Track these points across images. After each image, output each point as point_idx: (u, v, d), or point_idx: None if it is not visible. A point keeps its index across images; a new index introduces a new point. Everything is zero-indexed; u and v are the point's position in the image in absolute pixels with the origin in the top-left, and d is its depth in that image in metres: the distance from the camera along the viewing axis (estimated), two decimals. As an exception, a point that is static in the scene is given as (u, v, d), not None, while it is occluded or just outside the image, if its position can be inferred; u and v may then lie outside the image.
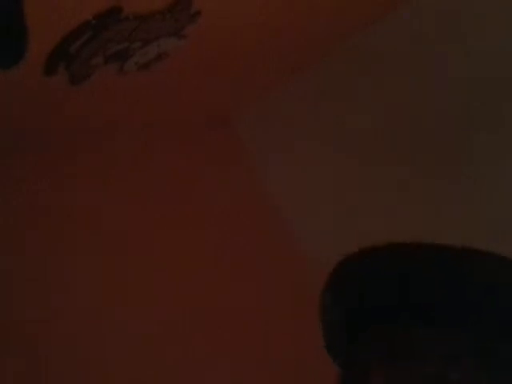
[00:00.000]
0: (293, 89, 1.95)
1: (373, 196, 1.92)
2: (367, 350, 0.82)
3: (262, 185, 2.02)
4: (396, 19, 1.76)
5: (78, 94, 1.34)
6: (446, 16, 1.75)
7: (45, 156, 1.66)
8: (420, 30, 1.80)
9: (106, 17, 1.15)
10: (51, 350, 1.58)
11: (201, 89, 1.64)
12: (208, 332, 1.77)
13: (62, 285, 1.64)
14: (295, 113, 1.99)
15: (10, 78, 1.19)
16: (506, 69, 1.68)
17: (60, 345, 1.60)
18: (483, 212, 1.77)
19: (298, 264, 1.94)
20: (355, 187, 1.94)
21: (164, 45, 1.24)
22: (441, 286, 0.78)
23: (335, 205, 1.97)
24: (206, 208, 1.91)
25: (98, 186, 1.74)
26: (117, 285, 1.72)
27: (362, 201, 1.93)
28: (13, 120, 1.44)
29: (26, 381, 1.53)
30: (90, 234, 1.72)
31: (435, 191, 1.82)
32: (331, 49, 1.86)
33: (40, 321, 1.58)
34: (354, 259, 0.90)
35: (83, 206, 1.72)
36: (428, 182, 1.83)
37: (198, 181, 1.92)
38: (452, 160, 1.81)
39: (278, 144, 2.04)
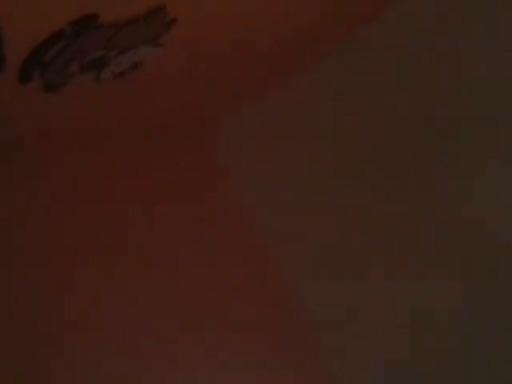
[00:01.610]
0: (271, 99, 1.93)
1: (354, 207, 1.93)
2: None
3: (239, 194, 2.04)
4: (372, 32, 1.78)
5: (56, 101, 1.33)
6: (446, 16, 1.75)
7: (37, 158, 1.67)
8: (405, 38, 1.80)
9: (81, 24, 1.14)
10: (50, 349, 1.58)
11: (177, 98, 1.64)
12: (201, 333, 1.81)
13: (62, 286, 1.65)
14: (273, 123, 1.99)
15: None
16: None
17: (59, 344, 1.60)
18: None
19: (273, 271, 1.98)
20: (334, 197, 1.94)
21: (140, 53, 1.24)
22: None
23: (313, 214, 1.97)
24: (182, 217, 1.92)
25: (70, 187, 1.76)
26: (115, 285, 1.73)
27: (343, 211, 1.93)
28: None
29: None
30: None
31: (425, 203, 1.82)
32: (311, 59, 1.85)
33: (41, 321, 1.59)
34: None
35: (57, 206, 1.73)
36: (418, 194, 1.83)
37: (174, 188, 1.93)
38: (447, 171, 1.81)
39: (255, 153, 2.04)
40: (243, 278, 1.97)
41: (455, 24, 1.73)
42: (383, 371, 1.87)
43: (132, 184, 1.84)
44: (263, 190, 2.04)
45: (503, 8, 1.67)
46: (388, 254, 1.87)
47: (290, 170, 2.00)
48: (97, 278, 1.71)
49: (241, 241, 2.02)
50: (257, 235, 2.03)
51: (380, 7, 1.71)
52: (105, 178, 1.80)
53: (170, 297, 1.81)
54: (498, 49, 1.69)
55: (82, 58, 1.21)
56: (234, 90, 1.83)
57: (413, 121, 1.81)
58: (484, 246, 1.75)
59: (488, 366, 1.73)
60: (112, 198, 1.83)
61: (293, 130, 1.98)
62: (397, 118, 1.83)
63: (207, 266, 1.91)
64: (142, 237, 1.84)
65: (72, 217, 1.75)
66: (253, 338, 1.88)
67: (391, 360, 1.86)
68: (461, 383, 1.77)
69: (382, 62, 1.81)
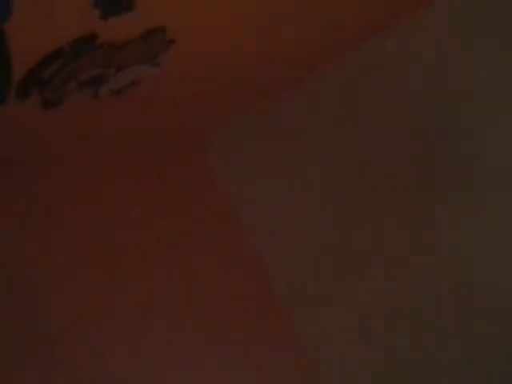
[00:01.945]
0: (265, 114, 1.96)
1: (355, 207, 1.93)
2: None
3: (238, 196, 2.05)
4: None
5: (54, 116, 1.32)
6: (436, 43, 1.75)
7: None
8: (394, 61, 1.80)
9: (80, 44, 1.13)
10: (50, 349, 1.59)
11: (175, 113, 1.63)
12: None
13: (62, 287, 1.65)
14: (272, 125, 2.00)
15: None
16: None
17: (59, 346, 1.61)
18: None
19: (273, 272, 2.00)
20: (334, 197, 1.94)
21: (138, 71, 1.23)
22: None
23: (313, 214, 1.97)
24: (182, 218, 1.93)
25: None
26: (115, 286, 1.74)
27: (343, 211, 1.93)
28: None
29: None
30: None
31: (424, 203, 1.82)
32: (305, 76, 1.86)
33: (41, 321, 1.59)
34: None
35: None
36: (418, 194, 1.83)
37: (174, 190, 1.94)
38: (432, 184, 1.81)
39: (256, 154, 2.05)
40: (243, 278, 1.97)
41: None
42: (383, 371, 1.88)
43: (133, 187, 1.85)
44: (263, 190, 2.04)
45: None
46: (388, 254, 1.87)
47: (290, 171, 2.00)
48: (97, 279, 1.72)
49: (240, 241, 2.02)
50: (257, 236, 2.04)
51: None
52: (106, 180, 1.80)
53: (170, 297, 1.82)
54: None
55: (80, 75, 1.19)
56: (228, 107, 1.84)
57: (413, 124, 1.81)
58: (484, 246, 1.75)
59: (488, 366, 1.74)
60: (113, 200, 1.83)
61: (292, 132, 1.98)
62: (396, 120, 1.83)
63: (207, 266, 1.91)
64: (143, 238, 1.85)
65: (73, 218, 1.76)
66: (252, 337, 1.88)
67: (391, 360, 1.87)
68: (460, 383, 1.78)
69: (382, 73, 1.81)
